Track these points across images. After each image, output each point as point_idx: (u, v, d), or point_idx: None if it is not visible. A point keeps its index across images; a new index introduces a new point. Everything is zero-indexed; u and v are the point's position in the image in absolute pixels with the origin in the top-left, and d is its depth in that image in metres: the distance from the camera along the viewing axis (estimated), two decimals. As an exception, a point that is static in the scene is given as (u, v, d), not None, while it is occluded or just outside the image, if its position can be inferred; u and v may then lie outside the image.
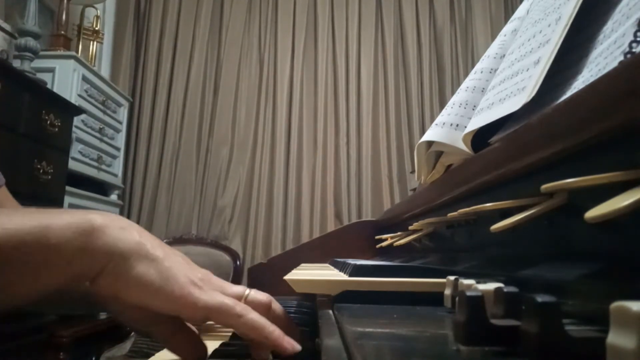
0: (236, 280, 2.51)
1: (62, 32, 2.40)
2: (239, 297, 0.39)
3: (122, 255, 0.35)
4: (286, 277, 0.54)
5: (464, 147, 0.60)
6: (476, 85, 0.71)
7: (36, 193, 1.81)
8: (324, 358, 0.29)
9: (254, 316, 0.37)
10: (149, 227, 2.93)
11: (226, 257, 2.81)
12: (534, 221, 0.35)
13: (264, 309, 0.39)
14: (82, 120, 2.30)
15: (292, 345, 0.37)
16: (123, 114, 2.80)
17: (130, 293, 0.35)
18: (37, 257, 0.33)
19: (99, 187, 2.59)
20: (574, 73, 0.44)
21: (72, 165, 2.19)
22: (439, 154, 0.75)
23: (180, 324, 0.39)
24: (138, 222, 2.88)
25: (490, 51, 0.73)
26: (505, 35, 0.72)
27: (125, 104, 2.83)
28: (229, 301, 0.36)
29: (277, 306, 0.42)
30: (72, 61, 2.28)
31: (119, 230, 0.36)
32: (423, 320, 0.38)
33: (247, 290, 0.40)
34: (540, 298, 0.21)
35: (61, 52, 2.32)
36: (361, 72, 3.14)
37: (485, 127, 0.54)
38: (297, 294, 0.54)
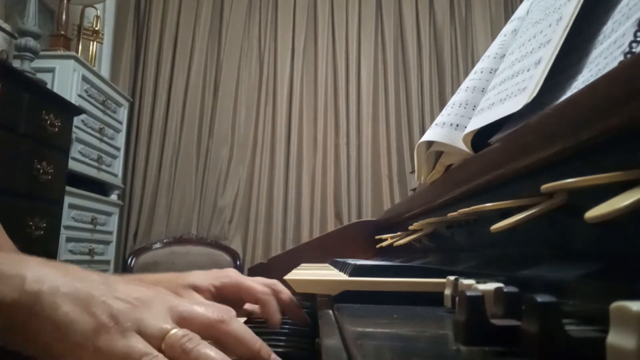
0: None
1: (62, 32, 2.39)
2: (161, 336, 0.32)
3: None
4: (286, 277, 0.54)
5: (464, 147, 0.60)
6: (476, 85, 0.71)
7: (36, 193, 1.81)
8: (324, 358, 0.29)
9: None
10: (149, 227, 2.93)
11: (226, 257, 2.81)
12: (534, 221, 0.35)
13: (202, 327, 0.34)
14: (82, 120, 2.30)
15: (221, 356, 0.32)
16: (123, 114, 2.80)
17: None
18: None
19: (99, 187, 2.59)
20: (574, 73, 0.44)
21: (72, 165, 2.19)
22: (439, 154, 0.75)
23: None
24: (138, 222, 2.92)
25: (490, 51, 0.73)
26: (505, 35, 0.72)
27: (125, 104, 2.82)
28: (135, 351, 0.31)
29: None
30: (72, 61, 2.27)
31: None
32: (423, 320, 0.38)
33: (172, 329, 0.33)
34: (540, 298, 0.21)
35: (61, 52, 2.32)
36: (361, 72, 3.14)
37: (485, 127, 0.54)
38: (297, 294, 0.54)
